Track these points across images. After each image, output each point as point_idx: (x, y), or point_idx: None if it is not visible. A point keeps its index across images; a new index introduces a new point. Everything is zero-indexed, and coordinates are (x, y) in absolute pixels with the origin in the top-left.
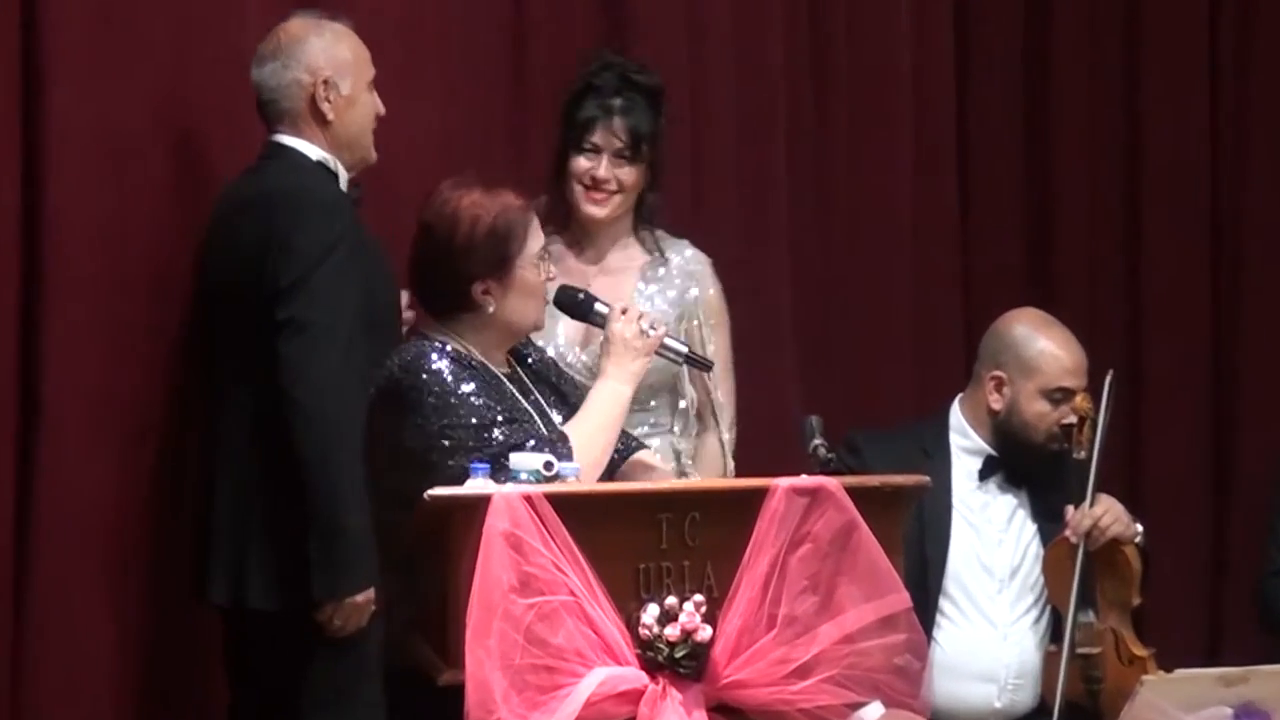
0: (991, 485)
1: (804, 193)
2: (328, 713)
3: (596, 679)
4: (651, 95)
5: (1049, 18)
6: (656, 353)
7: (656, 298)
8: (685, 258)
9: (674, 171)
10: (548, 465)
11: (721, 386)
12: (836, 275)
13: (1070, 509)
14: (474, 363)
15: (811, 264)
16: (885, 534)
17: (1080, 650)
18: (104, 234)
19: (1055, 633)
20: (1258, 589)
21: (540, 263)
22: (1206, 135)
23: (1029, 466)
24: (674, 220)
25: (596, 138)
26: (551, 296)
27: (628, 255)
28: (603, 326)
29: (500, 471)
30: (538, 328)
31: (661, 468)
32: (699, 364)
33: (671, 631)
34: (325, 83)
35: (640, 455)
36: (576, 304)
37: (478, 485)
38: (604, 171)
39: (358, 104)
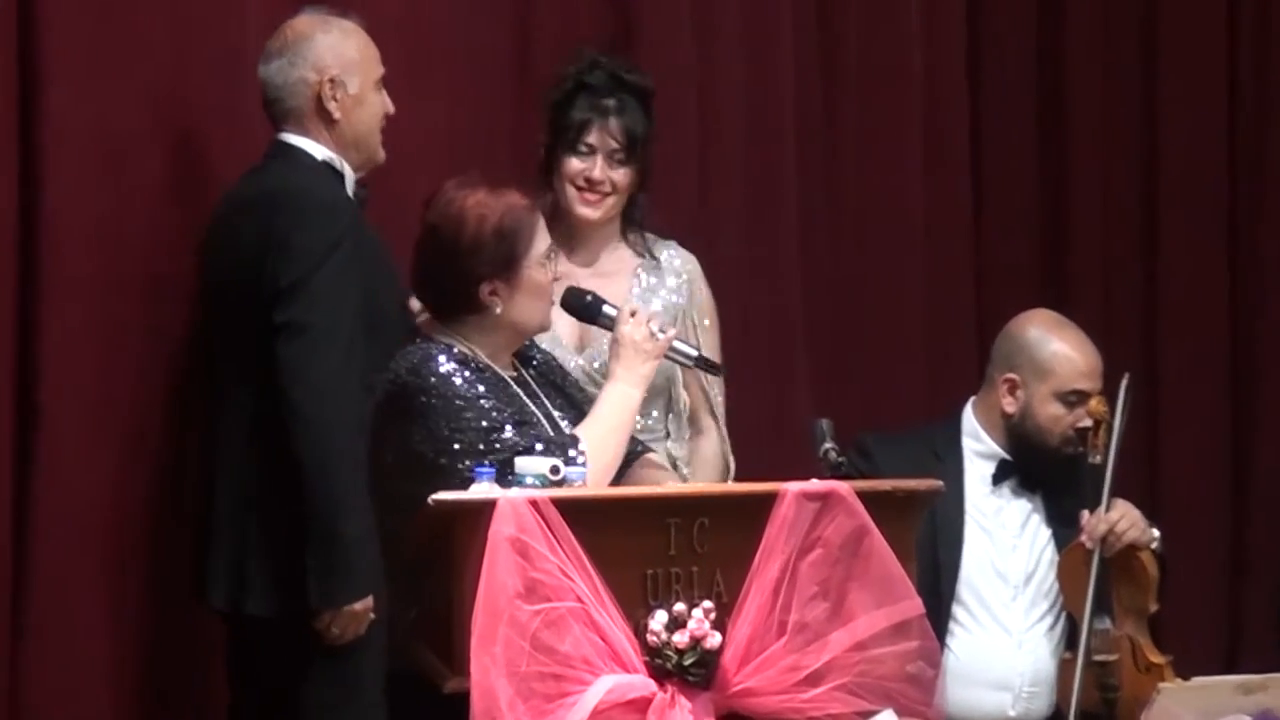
0: (1005, 490)
1: (814, 193)
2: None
3: (604, 687)
4: (643, 96)
5: (1062, 17)
6: (666, 356)
7: (651, 299)
8: (675, 258)
9: (681, 172)
10: (554, 469)
11: (716, 388)
12: (847, 276)
13: (1085, 514)
14: (481, 365)
15: (821, 264)
16: (897, 539)
17: (1096, 658)
18: (101, 234)
19: (1070, 640)
20: (1277, 593)
21: (547, 262)
22: (1224, 134)
23: (1043, 470)
24: (681, 220)
25: (592, 138)
26: (558, 298)
27: (619, 257)
28: (611, 329)
29: (506, 476)
30: (544, 329)
31: (671, 471)
32: (709, 367)
33: (680, 638)
34: (332, 81)
35: (647, 459)
36: (584, 306)
37: (483, 490)
38: (599, 173)
39: (365, 103)
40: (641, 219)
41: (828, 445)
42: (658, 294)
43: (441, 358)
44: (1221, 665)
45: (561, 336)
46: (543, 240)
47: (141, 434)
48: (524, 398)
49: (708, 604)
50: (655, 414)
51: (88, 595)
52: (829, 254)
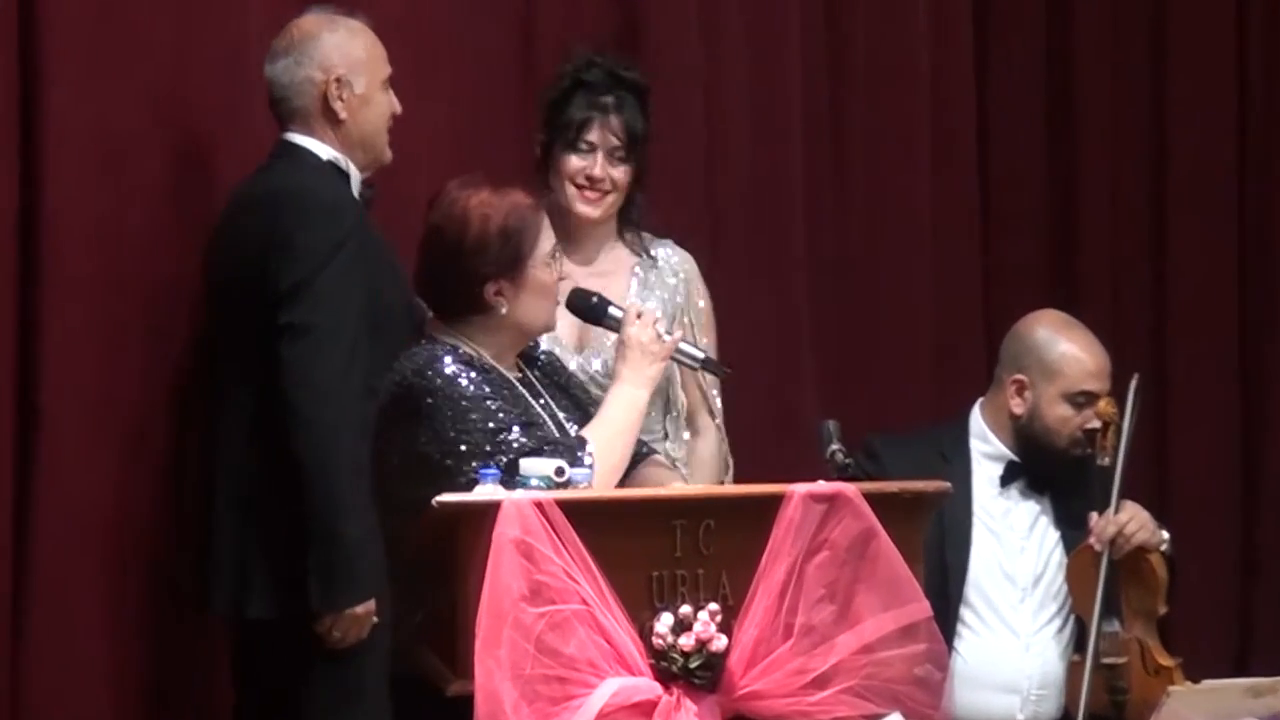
0: (1013, 491)
1: (821, 193)
2: None
3: (609, 690)
4: (641, 93)
5: (1070, 16)
6: (672, 358)
7: (649, 299)
8: (672, 257)
9: (688, 172)
10: (559, 471)
11: (714, 388)
12: (854, 276)
13: (1094, 516)
14: (486, 366)
15: (828, 265)
16: (905, 541)
17: (1105, 660)
18: (102, 234)
19: (1079, 643)
20: None
21: (552, 262)
22: (1233, 134)
23: (1052, 472)
24: (688, 220)
25: (592, 136)
26: (563, 299)
27: (616, 257)
28: (617, 330)
29: (511, 477)
30: (549, 329)
31: (677, 472)
32: (715, 369)
33: (686, 641)
34: (338, 81)
35: (653, 460)
36: (590, 307)
37: (487, 491)
38: (600, 170)
39: (372, 103)
40: (639, 218)
41: (834, 446)
42: (655, 293)
43: (447, 359)
44: (1231, 668)
45: (560, 336)
46: (548, 239)
47: (142, 434)
48: (529, 399)
49: (714, 606)
50: (653, 415)
51: (88, 596)
52: (836, 254)
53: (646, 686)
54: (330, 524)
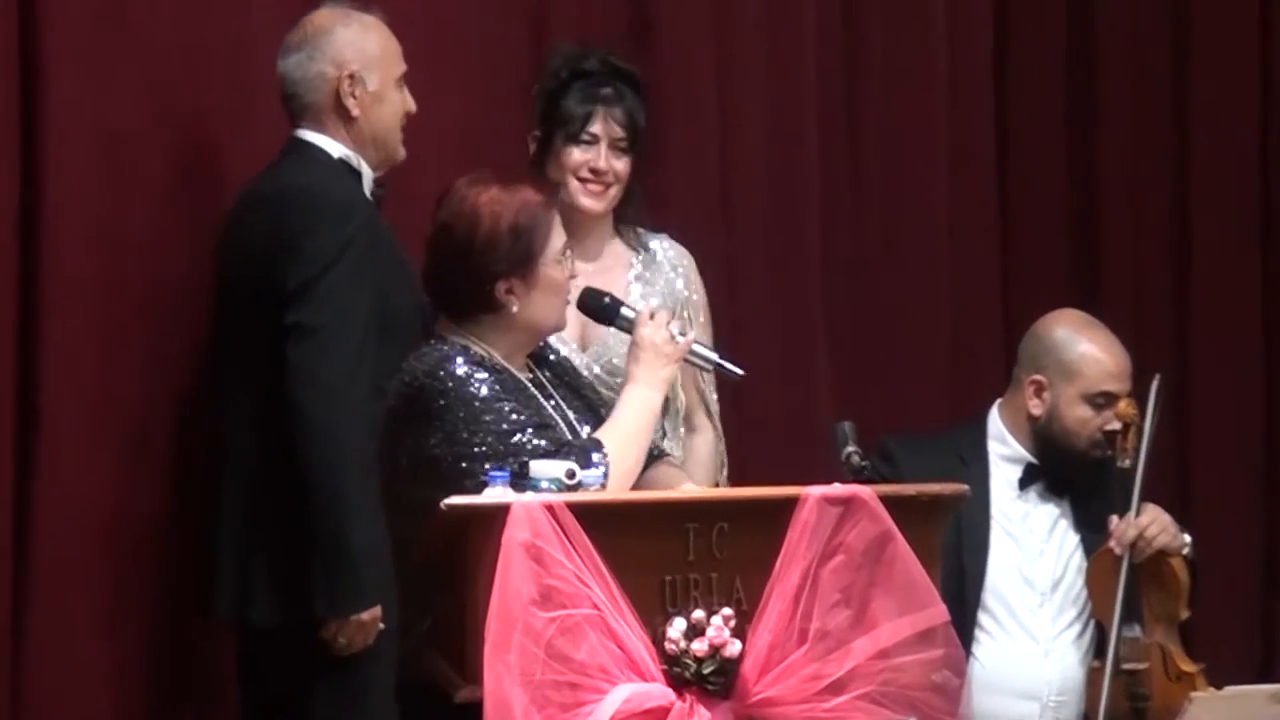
0: (1032, 494)
1: (837, 192)
2: None
3: (621, 696)
4: (637, 84)
5: (1091, 16)
6: (685, 359)
7: (649, 295)
8: (669, 251)
9: (702, 170)
10: (569, 473)
11: (711, 387)
12: (870, 276)
13: (1114, 519)
14: (498, 367)
15: (844, 265)
16: (922, 545)
17: (1126, 666)
18: (103, 234)
19: (1099, 648)
20: None
21: (564, 259)
22: (1256, 134)
23: (1071, 475)
24: (702, 220)
25: (595, 128)
26: (574, 298)
27: (614, 252)
28: (629, 331)
29: (520, 480)
30: (559, 329)
31: (688, 474)
32: (729, 371)
33: (699, 646)
34: (351, 77)
35: (664, 462)
36: (602, 307)
37: (496, 494)
38: (604, 163)
39: (385, 100)
40: (638, 212)
41: (850, 448)
42: (655, 287)
43: (459, 359)
44: (1255, 674)
45: (564, 334)
46: (559, 237)
47: (143, 435)
48: (541, 399)
49: (727, 611)
50: None
51: (88, 597)
52: (851, 254)
53: (659, 693)
54: (336, 528)
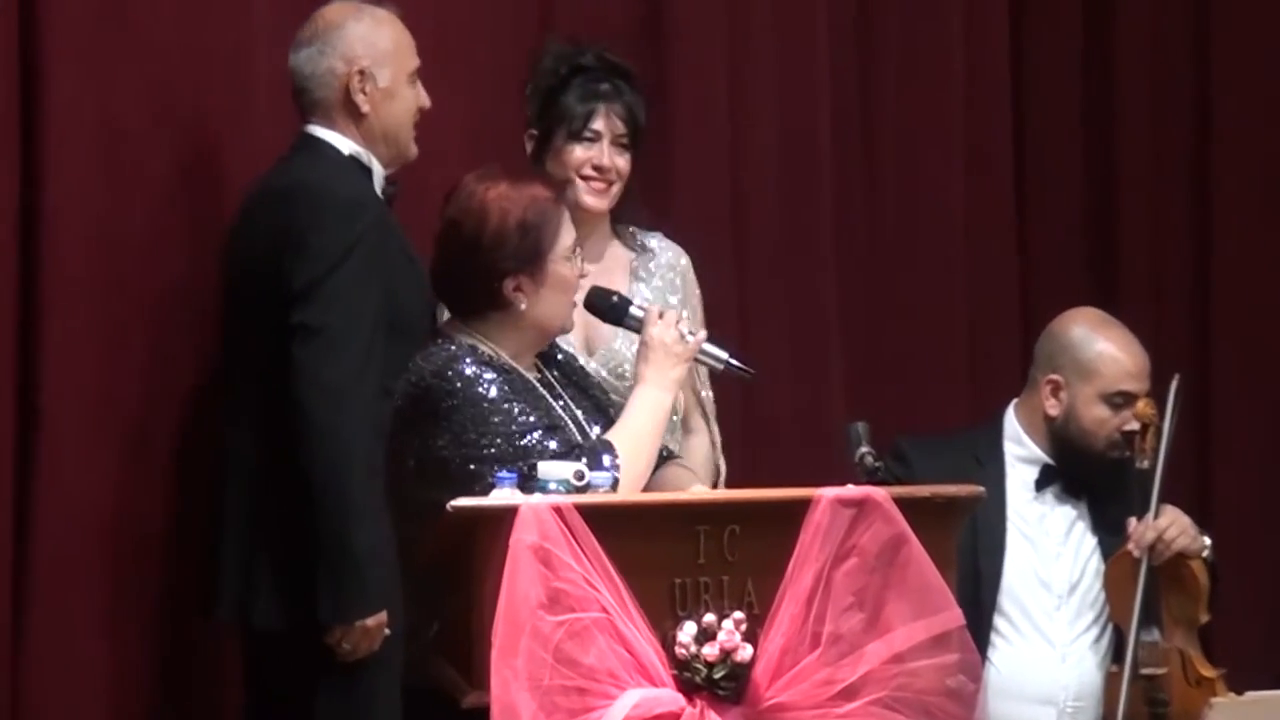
0: (1049, 496)
1: (851, 193)
2: None
3: (630, 701)
4: (633, 79)
5: (1110, 15)
6: (695, 359)
7: (649, 294)
8: (666, 250)
9: (712, 170)
10: (578, 474)
11: (708, 388)
12: (884, 275)
13: (1132, 521)
14: (506, 367)
15: (858, 264)
16: (936, 547)
17: (1144, 671)
18: (103, 234)
19: (1117, 652)
20: None
21: (573, 257)
22: (1278, 135)
23: (1088, 476)
24: (714, 220)
25: (598, 124)
26: (581, 298)
27: (613, 252)
28: (638, 331)
29: (528, 481)
30: (567, 329)
31: (698, 476)
32: (740, 371)
33: (709, 651)
34: (361, 73)
35: (674, 463)
36: (610, 307)
37: (504, 496)
38: (607, 160)
39: (396, 97)
40: (636, 210)
41: (864, 449)
42: (652, 286)
43: (467, 359)
44: (1276, 679)
45: (569, 337)
46: (568, 234)
47: (143, 436)
48: (550, 400)
49: (738, 615)
50: None
51: (88, 598)
52: (866, 253)
53: (669, 698)
54: (340, 532)
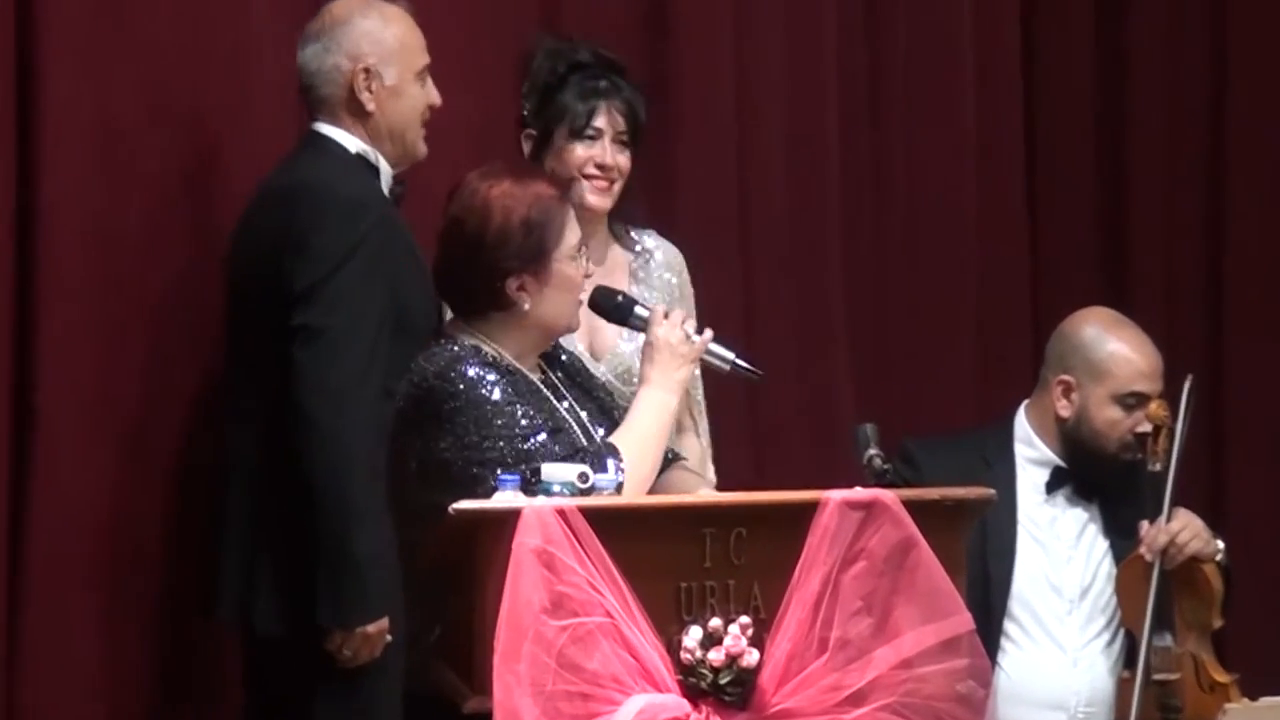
0: (1060, 498)
1: (860, 192)
2: None
3: (635, 707)
4: (625, 74)
5: (1123, 11)
6: (701, 359)
7: (648, 294)
8: (659, 249)
9: (719, 169)
10: (582, 477)
11: (699, 387)
12: (893, 275)
13: (1145, 524)
14: (510, 368)
15: (866, 263)
16: (946, 551)
17: (1157, 676)
18: (100, 233)
19: (1129, 658)
20: None
21: (578, 256)
22: None
23: (1100, 478)
24: (720, 219)
25: (599, 122)
26: (586, 297)
27: (612, 252)
28: (643, 331)
29: (532, 484)
30: (572, 329)
31: (704, 479)
32: (747, 371)
33: (715, 656)
34: (366, 71)
35: (679, 465)
36: (615, 306)
37: (507, 498)
38: (609, 158)
39: (403, 95)
40: (635, 209)
41: (872, 451)
42: (650, 285)
43: (469, 360)
44: None
45: (573, 338)
46: (573, 233)
47: (140, 435)
48: (554, 402)
49: (745, 619)
50: None
51: (84, 598)
52: (874, 253)
53: (674, 704)
54: (341, 537)
